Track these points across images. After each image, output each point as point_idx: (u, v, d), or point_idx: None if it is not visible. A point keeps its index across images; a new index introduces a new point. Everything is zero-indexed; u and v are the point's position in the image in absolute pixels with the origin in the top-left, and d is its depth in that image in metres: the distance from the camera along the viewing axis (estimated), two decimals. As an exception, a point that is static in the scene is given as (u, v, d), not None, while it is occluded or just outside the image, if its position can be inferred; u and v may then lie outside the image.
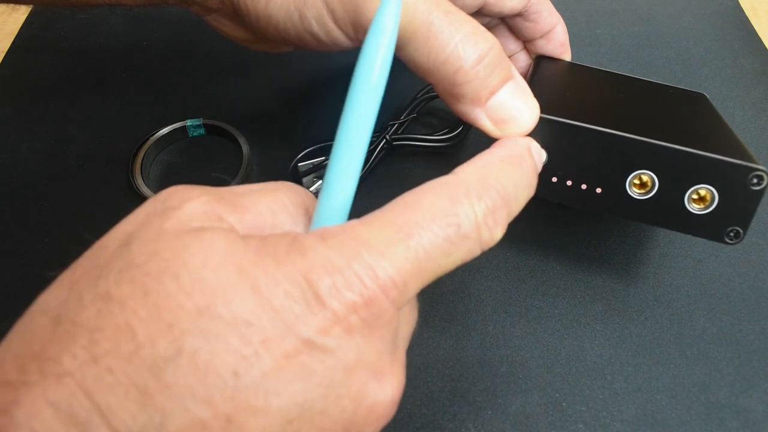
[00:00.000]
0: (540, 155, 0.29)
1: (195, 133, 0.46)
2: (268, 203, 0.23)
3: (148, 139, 0.44)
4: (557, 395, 0.34)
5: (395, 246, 0.20)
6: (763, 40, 0.55)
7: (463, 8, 0.30)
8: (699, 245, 0.40)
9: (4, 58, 0.51)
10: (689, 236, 0.40)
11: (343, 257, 0.20)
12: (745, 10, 0.58)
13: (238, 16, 0.31)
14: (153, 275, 0.19)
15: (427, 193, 0.22)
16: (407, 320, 0.24)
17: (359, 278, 0.20)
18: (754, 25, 0.56)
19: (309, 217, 0.23)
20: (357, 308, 0.20)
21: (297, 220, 0.23)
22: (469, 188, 0.23)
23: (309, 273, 0.19)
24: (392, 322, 0.21)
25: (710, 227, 0.31)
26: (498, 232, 0.23)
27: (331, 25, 0.29)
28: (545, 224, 0.41)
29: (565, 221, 0.41)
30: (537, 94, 0.31)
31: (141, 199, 0.41)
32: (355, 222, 0.21)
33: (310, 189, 0.42)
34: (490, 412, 0.33)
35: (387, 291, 0.20)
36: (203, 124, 0.45)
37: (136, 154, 0.43)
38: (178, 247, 0.19)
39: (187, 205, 0.21)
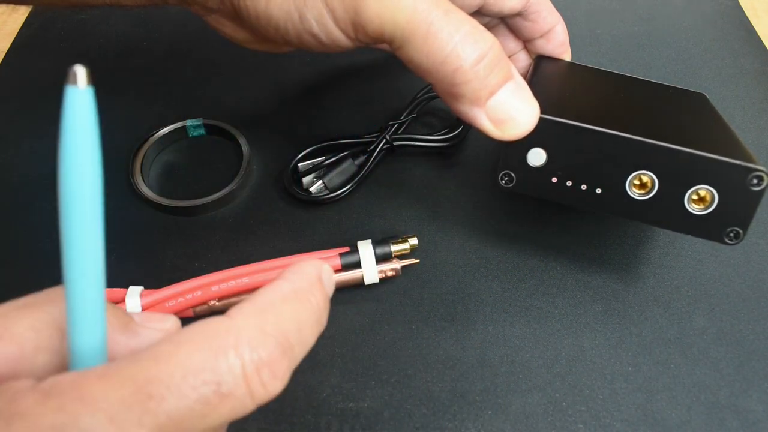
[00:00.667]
0: (331, 280, 0.24)
1: (195, 133, 0.46)
2: (31, 322, 0.20)
3: (148, 139, 0.44)
4: (557, 395, 0.34)
5: (128, 410, 0.17)
6: (763, 40, 0.55)
7: (462, 8, 0.30)
8: (699, 245, 0.40)
9: (4, 58, 0.51)
10: (689, 236, 0.40)
11: (56, 424, 0.16)
12: (745, 10, 0.57)
13: (238, 16, 0.31)
14: None
15: (186, 343, 0.18)
16: None
17: None
18: (754, 25, 0.56)
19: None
20: None
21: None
22: (239, 337, 0.19)
23: None
24: None
25: (710, 228, 0.31)
26: (277, 386, 0.19)
27: (331, 26, 0.29)
28: (545, 224, 0.41)
29: (565, 221, 0.41)
30: (537, 94, 0.31)
31: (141, 198, 0.41)
32: (93, 373, 0.17)
33: (311, 189, 0.42)
34: (490, 412, 0.33)
35: None
36: (203, 124, 0.45)
37: (136, 154, 0.43)
38: None
39: None
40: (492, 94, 0.29)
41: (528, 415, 0.33)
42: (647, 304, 0.38)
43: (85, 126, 0.18)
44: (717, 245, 0.40)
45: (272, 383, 0.19)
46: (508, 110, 0.30)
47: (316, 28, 0.30)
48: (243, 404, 0.19)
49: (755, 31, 0.56)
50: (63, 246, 0.20)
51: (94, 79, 0.18)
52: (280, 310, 0.20)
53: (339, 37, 0.30)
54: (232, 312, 0.20)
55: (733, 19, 0.57)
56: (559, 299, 0.38)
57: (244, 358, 0.19)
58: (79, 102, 0.18)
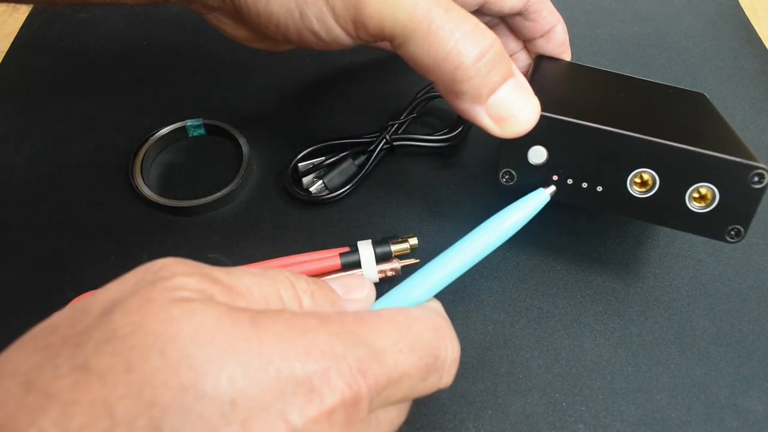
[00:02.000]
0: None
1: (195, 133, 0.46)
2: (264, 292, 0.22)
3: (148, 139, 0.44)
4: (557, 395, 0.34)
5: (388, 356, 0.21)
6: (763, 40, 0.55)
7: (463, 6, 0.30)
8: (699, 245, 0.40)
9: (4, 58, 0.51)
10: (689, 236, 0.40)
11: (341, 347, 0.20)
12: (745, 10, 0.58)
13: (239, 14, 0.31)
14: (138, 350, 0.18)
15: (419, 320, 0.24)
16: (391, 420, 0.24)
17: (351, 371, 0.20)
18: (754, 25, 0.56)
19: (302, 309, 0.23)
20: (344, 403, 0.20)
21: None
22: (451, 332, 0.25)
23: (305, 355, 0.19)
24: (365, 420, 0.21)
25: (711, 226, 0.31)
26: (451, 380, 0.25)
27: (332, 23, 0.29)
28: (545, 224, 0.41)
29: (565, 221, 0.41)
30: (537, 92, 0.31)
31: (141, 198, 0.41)
32: (354, 317, 0.22)
33: (311, 189, 0.42)
34: (490, 412, 0.33)
35: (371, 391, 0.20)
36: (203, 124, 0.45)
37: (136, 154, 0.43)
38: (165, 319, 0.18)
39: (178, 279, 0.20)
40: (493, 91, 0.29)
41: (528, 415, 0.33)
42: (647, 304, 0.38)
43: (528, 212, 0.31)
44: (717, 244, 0.40)
45: (452, 379, 0.25)
46: (509, 108, 0.30)
47: (316, 26, 0.30)
48: (437, 383, 0.24)
49: (755, 31, 0.56)
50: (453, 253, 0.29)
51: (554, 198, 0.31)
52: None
53: (339, 35, 0.30)
54: (432, 311, 0.25)
55: (733, 19, 0.57)
56: (559, 299, 0.38)
57: (452, 349, 0.24)
58: (540, 200, 0.31)
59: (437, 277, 0.28)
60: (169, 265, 0.21)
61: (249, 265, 0.37)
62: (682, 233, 0.40)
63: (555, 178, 0.32)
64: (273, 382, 0.19)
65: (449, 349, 0.24)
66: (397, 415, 0.24)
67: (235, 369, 0.18)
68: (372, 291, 0.26)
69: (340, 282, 0.25)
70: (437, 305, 0.27)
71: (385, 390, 0.21)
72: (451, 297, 0.38)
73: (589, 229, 0.41)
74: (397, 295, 0.27)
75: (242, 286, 0.21)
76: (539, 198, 0.31)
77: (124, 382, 0.17)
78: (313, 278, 0.24)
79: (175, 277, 0.20)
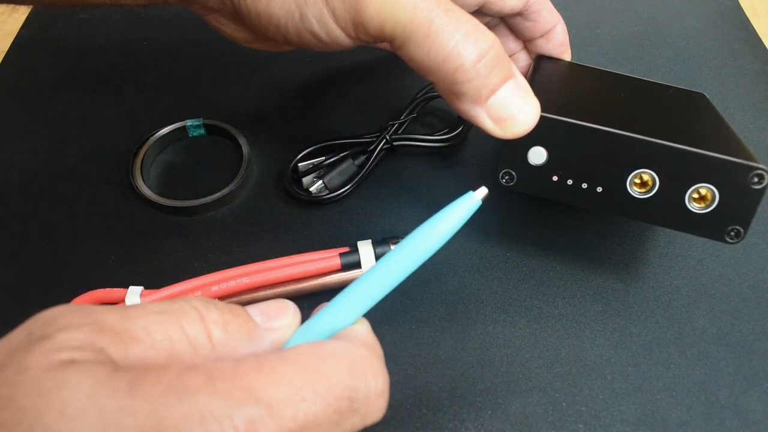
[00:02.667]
0: None
1: (195, 133, 0.46)
2: (166, 332, 0.20)
3: (148, 139, 0.44)
4: (557, 395, 0.34)
5: (286, 407, 0.19)
6: (763, 40, 0.55)
7: (463, 7, 0.30)
8: (699, 245, 0.40)
9: (4, 58, 0.51)
10: (689, 236, 0.40)
11: (226, 407, 0.18)
12: (745, 10, 0.58)
13: (239, 15, 0.31)
14: (5, 426, 0.17)
15: (330, 359, 0.21)
16: None
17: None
18: (754, 25, 0.56)
19: (213, 344, 0.21)
20: None
21: (198, 351, 0.21)
22: (371, 366, 0.22)
23: (183, 421, 0.18)
24: None
25: (711, 226, 0.31)
26: (381, 416, 0.22)
27: (332, 24, 0.29)
28: (545, 224, 0.41)
29: (564, 221, 0.41)
30: (537, 93, 0.31)
31: (141, 198, 0.41)
32: (253, 366, 0.20)
33: (311, 189, 0.42)
34: (490, 412, 0.33)
35: None
36: (203, 124, 0.45)
37: (136, 154, 0.43)
38: (34, 393, 0.17)
39: (61, 336, 0.19)
40: (493, 92, 0.29)
41: (528, 415, 0.33)
42: (647, 304, 0.38)
43: (457, 219, 0.27)
44: (717, 244, 0.40)
45: (382, 412, 0.22)
46: (509, 108, 0.30)
47: (316, 27, 0.30)
48: (360, 423, 0.22)
49: (755, 31, 0.56)
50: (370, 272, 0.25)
51: (485, 200, 0.27)
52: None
53: (339, 36, 0.30)
54: (354, 340, 0.23)
55: (733, 19, 0.57)
56: (559, 299, 0.38)
57: (375, 383, 0.22)
58: (469, 205, 0.27)
59: (362, 298, 0.25)
60: (54, 319, 0.19)
61: (249, 264, 0.37)
62: (682, 234, 0.40)
63: (555, 178, 0.32)
64: None
65: (371, 384, 0.22)
66: None
67: None
68: (295, 318, 0.24)
69: (260, 309, 0.23)
70: (363, 328, 0.25)
71: None
72: (451, 297, 0.38)
73: (589, 229, 0.41)
74: (319, 322, 0.24)
75: (139, 329, 0.20)
76: (469, 203, 0.27)
77: None
78: (230, 306, 0.23)
79: (57, 335, 0.19)
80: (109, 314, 0.20)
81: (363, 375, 0.21)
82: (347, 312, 0.25)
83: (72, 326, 0.19)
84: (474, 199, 0.27)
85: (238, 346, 0.22)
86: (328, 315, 0.24)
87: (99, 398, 0.18)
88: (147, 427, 0.17)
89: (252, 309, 0.23)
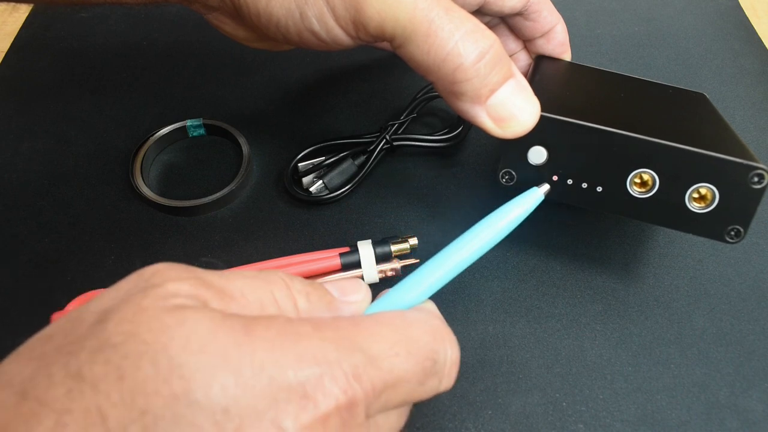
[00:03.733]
0: None
1: (195, 133, 0.46)
2: (258, 294, 0.22)
3: (148, 139, 0.44)
4: (557, 395, 0.34)
5: (384, 360, 0.21)
6: (763, 40, 0.55)
7: (463, 7, 0.30)
8: (699, 245, 0.40)
9: (4, 58, 0.51)
10: (689, 236, 0.40)
11: (335, 352, 0.20)
12: (745, 10, 0.58)
13: (239, 14, 0.31)
14: (130, 358, 0.18)
15: (416, 324, 0.23)
16: (390, 425, 0.23)
17: (346, 377, 0.20)
18: (754, 25, 0.56)
19: (298, 311, 0.23)
20: (339, 408, 0.19)
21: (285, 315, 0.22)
22: (450, 335, 0.25)
23: (298, 361, 0.19)
24: (362, 425, 0.21)
25: (711, 226, 0.31)
26: (451, 383, 0.25)
27: (332, 23, 0.29)
28: (545, 224, 0.41)
29: (565, 221, 0.41)
30: (537, 93, 0.31)
31: (141, 198, 0.41)
32: (350, 322, 0.22)
33: (311, 189, 0.42)
34: (490, 412, 0.33)
35: (367, 396, 0.20)
36: (203, 124, 0.45)
37: (136, 154, 0.43)
38: (157, 328, 0.18)
39: (171, 285, 0.20)
40: (493, 92, 0.29)
41: (528, 415, 0.33)
42: (647, 304, 0.38)
43: (521, 212, 0.30)
44: (717, 245, 0.40)
45: (453, 381, 0.24)
46: (509, 108, 0.30)
47: (316, 26, 0.30)
48: (436, 387, 0.24)
49: (755, 31, 0.56)
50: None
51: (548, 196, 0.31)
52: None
53: (340, 35, 0.30)
54: (428, 312, 0.25)
55: (733, 19, 0.57)
56: (559, 299, 0.38)
57: (451, 351, 0.24)
58: (535, 199, 0.31)
59: (433, 279, 0.27)
60: (161, 271, 0.21)
61: (246, 266, 0.37)
62: (682, 233, 0.40)
63: (555, 178, 0.32)
64: (265, 389, 0.18)
65: (448, 351, 0.24)
66: (397, 419, 0.24)
67: (227, 377, 0.18)
68: (368, 294, 0.25)
69: (336, 284, 0.25)
70: (432, 307, 0.26)
71: (383, 395, 0.21)
72: (451, 297, 0.38)
73: (589, 229, 0.41)
74: (392, 297, 0.27)
75: (236, 289, 0.21)
76: (533, 197, 0.30)
77: (117, 390, 0.17)
78: (309, 280, 0.24)
79: (167, 284, 0.20)
80: (208, 273, 0.21)
81: (442, 342, 0.24)
82: (418, 291, 0.27)
83: (179, 278, 0.20)
84: (537, 193, 0.31)
85: (320, 315, 0.23)
86: (399, 293, 0.27)
87: (219, 335, 0.19)
88: (266, 363, 0.19)
89: (329, 285, 0.25)
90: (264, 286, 0.22)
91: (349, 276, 0.34)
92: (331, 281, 0.26)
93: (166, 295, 0.20)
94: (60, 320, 0.20)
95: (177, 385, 0.18)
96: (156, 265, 0.21)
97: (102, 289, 0.31)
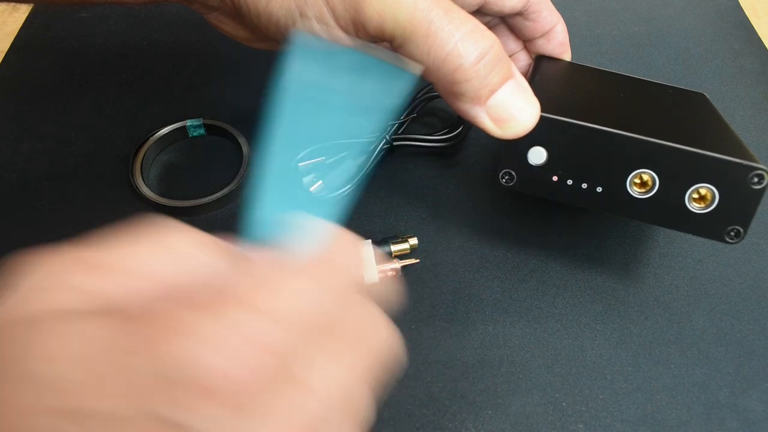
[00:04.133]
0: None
1: (195, 133, 0.45)
2: (145, 255, 0.19)
3: (148, 139, 0.44)
4: (557, 395, 0.34)
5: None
6: (763, 40, 0.55)
7: (463, 7, 0.30)
8: (699, 245, 0.40)
9: (4, 58, 0.51)
10: (689, 236, 0.40)
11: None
12: (745, 10, 0.58)
13: (239, 14, 0.31)
14: None
15: None
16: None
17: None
18: (754, 25, 0.56)
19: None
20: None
21: (180, 268, 0.20)
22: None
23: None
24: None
25: (711, 226, 0.31)
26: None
27: (332, 23, 0.29)
28: (545, 224, 0.41)
29: (565, 221, 0.41)
30: (537, 93, 0.31)
31: (141, 198, 0.41)
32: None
33: (311, 189, 0.41)
34: (490, 412, 0.33)
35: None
36: (203, 124, 0.45)
37: (136, 154, 0.43)
38: (24, 341, 0.16)
39: (33, 278, 0.18)
40: (493, 92, 0.29)
41: (528, 415, 0.33)
42: (647, 304, 0.38)
43: None
44: (717, 245, 0.40)
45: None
46: (509, 109, 0.30)
47: (316, 27, 0.30)
48: None
49: (755, 31, 0.56)
50: None
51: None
52: None
53: (339, 36, 0.30)
54: None
55: (733, 19, 0.57)
56: (559, 299, 0.38)
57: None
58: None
59: None
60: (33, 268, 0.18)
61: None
62: (682, 234, 0.40)
63: (555, 178, 0.32)
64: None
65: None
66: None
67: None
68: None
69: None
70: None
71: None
72: (451, 297, 0.38)
73: (589, 229, 0.41)
74: None
75: (116, 260, 0.19)
76: None
77: None
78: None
79: (27, 279, 0.18)
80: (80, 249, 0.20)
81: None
82: None
83: (45, 263, 0.19)
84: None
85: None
86: None
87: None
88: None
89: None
90: (150, 245, 0.20)
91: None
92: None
93: (25, 295, 0.17)
94: None
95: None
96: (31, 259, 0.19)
97: None
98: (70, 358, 0.16)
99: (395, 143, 0.43)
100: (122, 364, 0.16)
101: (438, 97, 0.45)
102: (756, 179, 0.29)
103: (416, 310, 0.37)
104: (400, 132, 0.44)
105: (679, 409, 0.34)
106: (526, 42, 0.41)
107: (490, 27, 0.40)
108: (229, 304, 0.17)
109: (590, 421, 0.33)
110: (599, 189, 0.32)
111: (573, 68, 0.40)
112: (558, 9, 0.39)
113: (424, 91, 0.45)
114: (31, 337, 0.16)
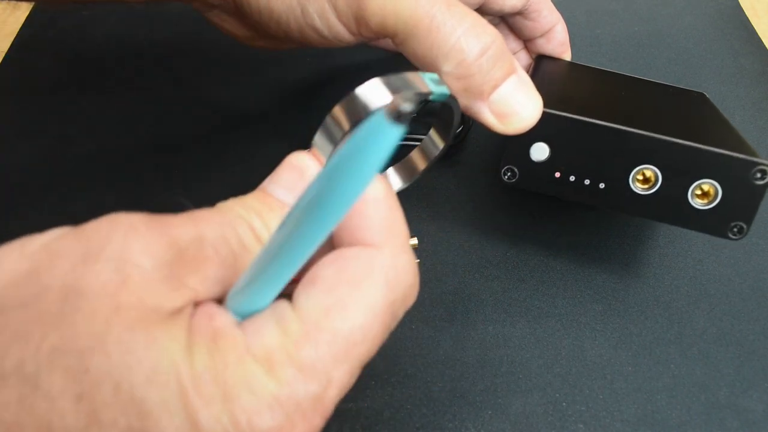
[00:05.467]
0: None
1: (195, 133, 0.45)
2: (225, 242, 0.20)
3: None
4: (557, 395, 0.34)
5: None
6: (763, 40, 0.55)
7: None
8: (699, 245, 0.40)
9: (4, 58, 0.51)
10: (689, 236, 0.40)
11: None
12: (745, 10, 0.58)
13: (240, 11, 0.31)
14: (92, 374, 0.16)
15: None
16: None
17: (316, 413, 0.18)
18: (754, 25, 0.56)
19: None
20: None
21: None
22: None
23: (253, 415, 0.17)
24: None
25: (714, 222, 0.31)
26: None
27: (334, 20, 0.29)
28: (545, 224, 0.41)
29: (565, 220, 0.41)
30: (539, 91, 0.31)
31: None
32: (297, 333, 0.19)
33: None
34: (490, 412, 0.33)
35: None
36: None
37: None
38: (126, 341, 0.17)
39: (145, 271, 0.18)
40: (495, 87, 0.29)
41: (528, 415, 0.33)
42: (647, 304, 0.38)
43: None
44: (718, 244, 0.40)
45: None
46: (512, 104, 0.30)
47: (318, 23, 0.30)
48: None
49: (755, 31, 0.56)
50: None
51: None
52: None
53: (341, 32, 0.30)
54: None
55: (733, 19, 0.57)
56: (559, 299, 0.38)
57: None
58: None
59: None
60: (129, 239, 0.18)
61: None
62: (683, 232, 0.40)
63: (557, 175, 0.32)
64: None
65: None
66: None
67: (185, 422, 0.17)
68: None
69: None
70: None
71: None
72: (451, 297, 0.37)
73: (589, 229, 0.41)
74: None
75: (208, 247, 0.19)
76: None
77: (73, 412, 0.16)
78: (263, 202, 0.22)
79: (141, 267, 0.18)
80: (179, 229, 0.20)
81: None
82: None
83: (149, 252, 0.19)
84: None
85: None
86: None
87: (179, 373, 0.17)
88: (221, 417, 0.17)
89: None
90: (229, 231, 0.20)
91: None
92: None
93: (141, 295, 0.17)
94: (21, 278, 0.18)
95: (134, 420, 0.16)
96: (119, 220, 0.19)
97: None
98: (167, 389, 0.17)
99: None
100: None
101: (438, 96, 0.45)
102: (759, 175, 0.29)
103: (416, 310, 0.37)
104: (400, 132, 0.44)
105: (679, 409, 0.34)
106: (527, 42, 0.41)
107: (491, 26, 0.40)
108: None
109: (590, 421, 0.33)
110: (602, 185, 0.32)
111: (573, 68, 0.40)
112: (558, 9, 0.39)
113: (424, 90, 0.45)
114: (144, 354, 0.17)
